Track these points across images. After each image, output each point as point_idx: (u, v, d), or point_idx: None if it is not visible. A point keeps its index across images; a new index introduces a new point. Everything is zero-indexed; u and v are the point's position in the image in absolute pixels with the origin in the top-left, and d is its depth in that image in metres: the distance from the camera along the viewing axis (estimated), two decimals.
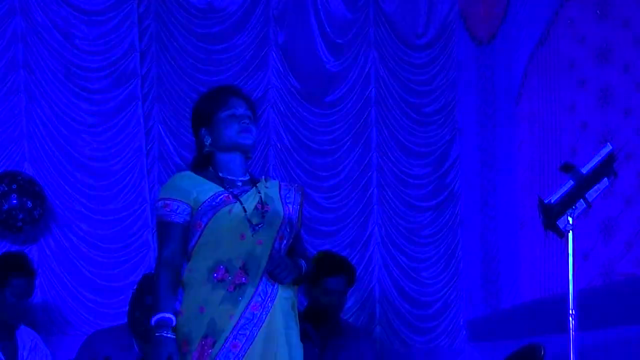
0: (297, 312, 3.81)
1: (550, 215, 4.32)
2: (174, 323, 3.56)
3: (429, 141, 7.44)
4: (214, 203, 3.68)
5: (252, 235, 3.68)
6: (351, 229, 7.26)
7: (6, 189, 6.23)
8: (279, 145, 7.19)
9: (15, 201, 6.23)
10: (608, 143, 4.59)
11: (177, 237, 3.68)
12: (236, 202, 3.70)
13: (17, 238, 6.50)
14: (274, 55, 7.22)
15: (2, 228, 6.31)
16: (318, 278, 5.55)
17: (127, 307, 5.63)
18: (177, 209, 3.67)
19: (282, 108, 7.20)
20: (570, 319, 4.40)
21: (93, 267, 6.69)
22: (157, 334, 3.53)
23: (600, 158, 4.36)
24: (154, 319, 3.55)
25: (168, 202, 3.69)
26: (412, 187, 7.39)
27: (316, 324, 5.59)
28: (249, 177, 3.83)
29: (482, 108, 7.35)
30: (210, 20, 7.13)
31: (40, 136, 6.68)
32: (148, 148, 6.92)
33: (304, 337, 5.51)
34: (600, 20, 6.27)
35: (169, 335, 3.54)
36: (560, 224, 4.37)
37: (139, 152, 6.86)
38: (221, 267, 3.64)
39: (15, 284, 5.29)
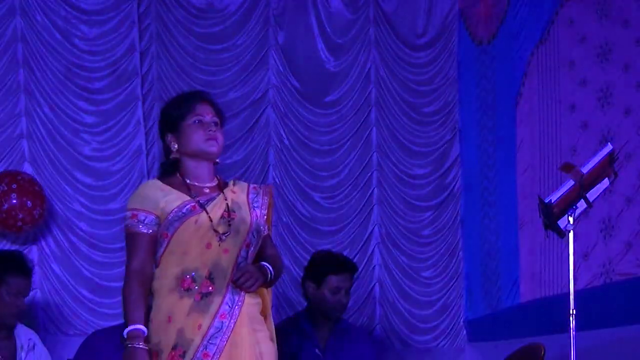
0: (269, 313, 3.87)
1: (551, 215, 4.32)
2: (145, 334, 3.60)
3: (429, 141, 7.44)
4: (180, 213, 3.71)
5: (219, 245, 3.71)
6: (351, 228, 7.26)
7: (6, 189, 6.23)
8: (279, 145, 7.19)
9: (15, 201, 6.23)
10: (608, 143, 4.59)
11: (145, 247, 3.70)
12: (202, 211, 3.72)
13: (17, 238, 6.50)
14: (274, 55, 7.22)
15: (2, 228, 6.31)
16: (323, 277, 5.55)
17: None
18: (144, 219, 3.71)
19: (282, 108, 7.21)
20: (571, 319, 4.40)
21: (93, 267, 6.69)
22: (129, 345, 3.57)
23: (600, 158, 4.36)
24: (125, 331, 3.60)
25: (135, 212, 3.72)
26: (412, 187, 7.39)
27: (316, 324, 5.59)
28: (216, 183, 3.86)
29: (482, 108, 7.35)
30: (210, 20, 7.14)
31: (40, 136, 6.68)
32: (148, 148, 6.92)
33: (304, 337, 5.54)
34: (600, 20, 6.26)
35: (140, 346, 3.58)
36: (561, 223, 4.38)
37: (139, 152, 6.86)
38: (187, 276, 3.67)
39: (12, 283, 5.29)
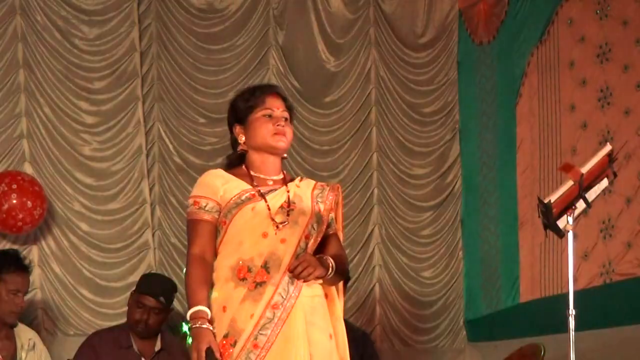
0: (335, 308, 3.78)
1: (550, 215, 4.32)
2: (209, 315, 3.53)
3: (429, 141, 7.44)
4: (239, 201, 3.66)
5: (275, 234, 3.65)
6: (351, 229, 7.25)
7: (6, 189, 6.23)
8: None
9: (15, 201, 6.23)
10: (607, 143, 4.59)
11: (205, 233, 3.66)
12: (261, 199, 3.67)
13: (17, 238, 6.50)
14: (274, 55, 7.22)
15: (2, 228, 6.31)
16: None
17: (127, 307, 5.64)
18: (205, 205, 3.66)
19: None
20: (570, 319, 4.40)
21: (93, 267, 6.70)
22: (194, 326, 3.50)
23: (599, 158, 4.36)
24: (189, 313, 3.52)
25: (197, 199, 3.68)
26: (412, 187, 7.39)
27: None
28: (282, 177, 3.80)
29: (482, 108, 7.35)
30: (211, 20, 7.14)
31: (40, 136, 6.68)
32: (148, 148, 6.92)
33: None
34: (600, 20, 6.26)
35: (205, 326, 3.51)
36: (560, 224, 4.38)
37: (139, 152, 6.86)
38: (243, 265, 3.61)
39: (10, 280, 5.30)
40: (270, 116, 3.77)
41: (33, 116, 6.68)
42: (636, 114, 5.93)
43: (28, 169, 6.60)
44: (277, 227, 3.65)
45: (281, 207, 3.69)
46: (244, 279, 3.60)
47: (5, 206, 6.21)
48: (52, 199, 6.62)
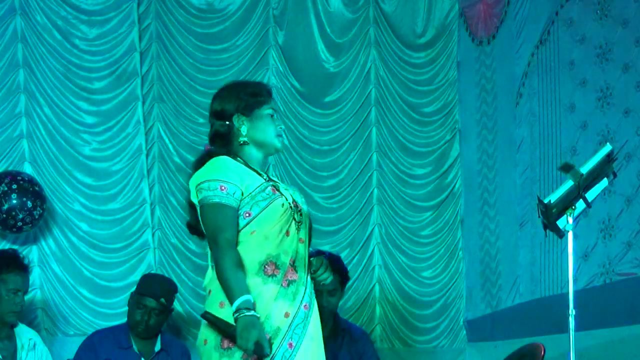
0: None
1: (550, 215, 4.32)
2: (252, 301, 3.48)
3: (429, 141, 7.44)
4: (264, 194, 3.63)
5: (297, 233, 3.66)
6: (351, 229, 7.26)
7: (6, 189, 6.23)
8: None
9: (15, 201, 6.23)
10: (608, 143, 4.59)
11: (234, 221, 3.58)
12: (281, 196, 3.66)
13: (17, 238, 6.50)
14: (274, 55, 7.22)
15: (2, 228, 6.32)
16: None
17: (127, 308, 5.64)
18: (234, 193, 3.58)
19: (282, 108, 7.20)
20: (570, 319, 4.40)
21: (93, 267, 6.70)
22: (245, 315, 3.42)
23: (599, 158, 4.36)
24: (237, 301, 3.44)
25: (224, 184, 3.58)
26: (412, 187, 7.39)
27: None
28: (265, 176, 3.78)
29: (482, 108, 7.35)
30: (210, 20, 7.14)
31: (40, 136, 6.69)
32: (148, 148, 6.93)
33: None
34: (600, 20, 6.26)
35: (258, 315, 3.47)
36: (560, 223, 4.37)
37: (139, 152, 6.86)
38: (271, 261, 3.59)
39: (9, 280, 5.30)
40: (273, 117, 3.79)
41: (33, 116, 6.68)
42: (636, 114, 5.92)
43: (28, 169, 6.61)
44: (297, 226, 3.67)
45: (295, 205, 3.71)
46: (272, 276, 3.58)
47: (5, 206, 6.22)
48: (52, 199, 6.63)
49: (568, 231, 4.36)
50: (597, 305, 5.86)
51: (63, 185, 6.71)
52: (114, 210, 6.78)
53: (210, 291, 3.60)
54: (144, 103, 6.93)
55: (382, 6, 7.43)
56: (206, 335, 3.57)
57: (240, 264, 3.53)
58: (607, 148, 4.37)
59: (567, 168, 4.32)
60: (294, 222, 3.66)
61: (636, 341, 5.62)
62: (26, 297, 5.55)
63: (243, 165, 3.68)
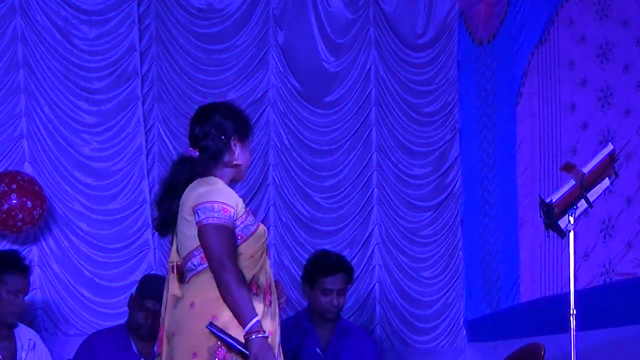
0: None
1: (551, 215, 4.32)
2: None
3: (429, 141, 7.44)
4: (251, 218, 3.75)
5: (266, 256, 3.79)
6: (351, 229, 7.25)
7: (6, 189, 6.23)
8: (279, 145, 7.19)
9: (15, 201, 6.22)
10: (609, 143, 4.59)
11: (234, 243, 3.69)
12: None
13: (17, 238, 6.49)
14: (274, 55, 7.22)
15: (2, 228, 6.31)
16: (316, 278, 5.55)
17: (127, 308, 5.63)
18: (233, 215, 3.69)
19: (282, 108, 7.20)
20: (571, 319, 4.40)
21: (93, 267, 6.69)
22: (258, 337, 3.54)
23: (601, 158, 4.37)
24: (250, 323, 3.55)
25: (226, 207, 3.68)
26: (412, 187, 7.39)
27: (317, 323, 5.59)
28: None
29: (482, 108, 7.35)
30: (210, 20, 7.13)
31: (40, 136, 6.68)
32: (148, 148, 6.92)
33: (306, 336, 5.54)
34: (600, 20, 6.26)
35: (268, 339, 3.58)
36: (561, 223, 4.38)
37: (139, 152, 6.86)
38: (254, 281, 3.69)
39: (10, 281, 5.29)
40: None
41: (33, 116, 6.68)
42: (636, 114, 5.93)
43: (28, 169, 6.60)
44: (267, 247, 3.83)
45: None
46: (256, 294, 3.67)
47: (5, 206, 6.21)
48: (52, 199, 6.62)
49: (569, 231, 4.36)
50: (597, 305, 5.86)
51: (63, 185, 6.70)
52: (114, 210, 6.77)
53: (193, 303, 3.66)
54: (144, 103, 6.92)
55: (382, 6, 7.42)
56: (196, 347, 3.62)
57: (245, 285, 3.62)
58: (609, 148, 4.38)
59: (568, 168, 4.32)
60: (265, 245, 3.80)
61: (636, 341, 5.62)
62: (26, 298, 5.54)
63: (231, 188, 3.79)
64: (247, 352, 3.53)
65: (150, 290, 5.57)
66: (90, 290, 6.68)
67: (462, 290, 7.37)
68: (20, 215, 6.25)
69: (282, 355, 3.75)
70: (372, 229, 7.32)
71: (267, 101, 7.18)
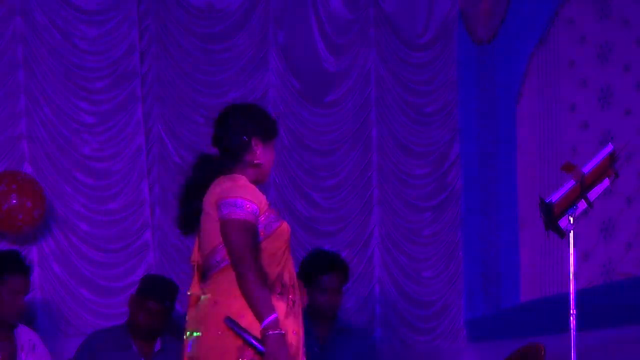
0: None
1: (552, 215, 4.32)
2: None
3: (429, 141, 7.44)
4: (274, 215, 3.75)
5: (289, 254, 3.77)
6: (351, 229, 7.25)
7: (6, 189, 6.22)
8: (279, 145, 7.18)
9: (15, 201, 6.22)
10: (609, 143, 4.59)
11: (257, 239, 3.68)
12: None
13: (17, 238, 6.49)
14: (274, 55, 7.21)
15: (2, 228, 6.31)
16: (313, 277, 5.55)
17: (128, 308, 5.63)
18: (256, 211, 3.68)
19: (282, 108, 7.20)
20: (571, 319, 4.40)
21: (93, 267, 6.69)
22: (277, 333, 3.54)
23: (601, 158, 4.37)
24: (269, 319, 3.54)
25: (249, 203, 3.68)
26: (412, 187, 7.39)
27: (315, 322, 5.60)
28: None
29: (482, 108, 7.35)
30: (210, 20, 7.13)
31: (40, 136, 6.68)
32: (148, 148, 6.92)
33: (306, 335, 5.53)
34: (600, 20, 6.27)
35: (283, 332, 3.57)
36: (561, 223, 4.38)
37: (139, 152, 6.86)
38: (278, 280, 3.69)
39: (11, 281, 5.28)
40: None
41: (33, 116, 6.67)
42: (636, 114, 5.94)
43: (28, 169, 6.60)
44: (289, 248, 3.79)
45: None
46: (281, 294, 3.67)
47: (5, 206, 6.21)
48: (52, 199, 6.62)
49: (569, 231, 4.36)
50: (598, 305, 5.86)
51: (63, 185, 6.69)
52: (114, 210, 6.77)
53: (216, 301, 3.64)
54: (144, 103, 6.92)
55: (382, 6, 7.42)
56: (222, 348, 3.60)
57: (265, 282, 3.61)
58: (609, 148, 4.38)
59: (568, 168, 4.32)
60: (289, 244, 3.78)
61: (636, 341, 5.63)
62: (26, 298, 5.54)
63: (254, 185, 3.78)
64: (263, 349, 3.52)
65: (150, 290, 5.57)
66: (90, 290, 6.67)
67: (462, 290, 7.37)
68: (20, 215, 6.24)
69: (304, 354, 3.73)
70: (372, 229, 7.32)
71: (267, 101, 7.18)
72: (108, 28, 6.86)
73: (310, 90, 7.28)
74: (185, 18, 7.06)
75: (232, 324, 3.54)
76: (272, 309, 3.54)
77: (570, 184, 4.34)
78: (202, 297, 3.70)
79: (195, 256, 3.82)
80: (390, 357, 7.17)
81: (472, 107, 7.44)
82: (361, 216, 7.29)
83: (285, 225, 3.76)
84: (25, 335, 5.43)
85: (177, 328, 6.54)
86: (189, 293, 3.78)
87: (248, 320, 3.57)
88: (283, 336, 3.54)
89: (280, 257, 3.70)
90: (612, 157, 4.35)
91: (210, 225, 3.71)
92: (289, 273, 3.72)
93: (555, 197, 4.31)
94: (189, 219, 3.83)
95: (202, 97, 7.01)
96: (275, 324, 3.52)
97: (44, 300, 6.56)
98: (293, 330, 3.64)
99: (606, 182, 4.39)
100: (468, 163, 7.44)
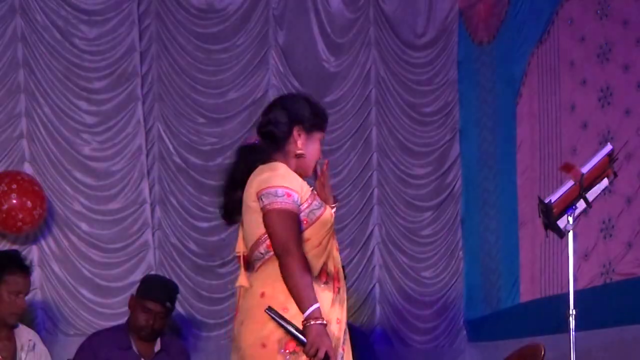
0: None
1: (551, 215, 4.32)
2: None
3: (429, 141, 7.44)
4: (317, 202, 3.68)
5: (334, 242, 3.72)
6: (351, 229, 7.25)
7: (6, 189, 6.23)
8: None
9: (15, 201, 6.22)
10: (608, 143, 4.59)
11: (299, 227, 3.61)
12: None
13: (17, 238, 6.49)
14: (274, 55, 7.22)
15: (2, 228, 6.31)
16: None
17: (128, 308, 5.63)
18: (297, 200, 3.61)
19: None
20: (570, 319, 4.41)
21: (93, 267, 6.69)
22: (319, 323, 3.48)
23: (600, 158, 4.37)
24: (310, 308, 3.49)
25: (289, 191, 3.61)
26: (412, 186, 7.39)
27: None
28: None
29: (482, 108, 7.35)
30: (210, 20, 7.13)
31: (40, 136, 6.68)
32: (148, 148, 6.92)
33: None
34: (600, 20, 6.26)
35: (324, 323, 3.52)
36: (561, 223, 4.38)
37: (139, 152, 6.86)
38: (323, 269, 3.64)
39: (11, 282, 5.28)
40: (320, 145, 3.84)
41: (33, 116, 6.68)
42: (636, 114, 5.93)
43: (28, 169, 6.60)
44: (334, 234, 3.74)
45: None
46: (326, 282, 3.64)
47: (5, 206, 6.21)
48: (52, 199, 6.62)
49: (568, 231, 4.36)
50: (597, 305, 5.86)
51: (63, 185, 6.70)
52: (114, 210, 6.78)
53: (263, 293, 3.60)
54: (144, 103, 6.92)
55: (382, 6, 7.43)
56: (265, 338, 3.56)
57: (309, 271, 3.57)
58: (608, 148, 4.38)
59: (568, 168, 4.32)
60: (333, 232, 3.72)
61: (636, 341, 5.62)
62: (26, 298, 5.54)
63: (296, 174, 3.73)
64: (304, 340, 3.48)
65: (151, 290, 5.57)
66: (90, 290, 6.68)
67: (462, 290, 7.38)
68: (20, 215, 6.25)
69: (348, 341, 3.69)
70: (372, 229, 7.32)
71: (267, 101, 7.15)
72: (108, 28, 6.87)
73: (310, 90, 7.26)
74: (185, 18, 7.06)
75: (274, 314, 3.53)
76: (314, 300, 3.49)
77: (569, 184, 4.34)
78: (249, 288, 3.67)
79: (240, 247, 3.76)
80: (390, 357, 7.17)
81: (472, 107, 7.44)
82: (361, 216, 7.29)
83: (328, 211, 3.68)
84: (25, 335, 5.43)
85: (177, 328, 6.55)
86: (236, 286, 3.74)
87: (293, 312, 3.53)
88: (325, 327, 3.49)
89: (325, 246, 3.65)
90: (610, 157, 4.35)
91: (251, 217, 3.66)
92: (333, 260, 3.66)
93: (554, 197, 4.31)
94: (231, 209, 3.78)
95: (202, 97, 7.01)
96: (318, 313, 3.48)
97: (44, 300, 6.57)
98: (338, 319, 3.61)
99: (605, 182, 4.39)
100: (468, 163, 7.44)
